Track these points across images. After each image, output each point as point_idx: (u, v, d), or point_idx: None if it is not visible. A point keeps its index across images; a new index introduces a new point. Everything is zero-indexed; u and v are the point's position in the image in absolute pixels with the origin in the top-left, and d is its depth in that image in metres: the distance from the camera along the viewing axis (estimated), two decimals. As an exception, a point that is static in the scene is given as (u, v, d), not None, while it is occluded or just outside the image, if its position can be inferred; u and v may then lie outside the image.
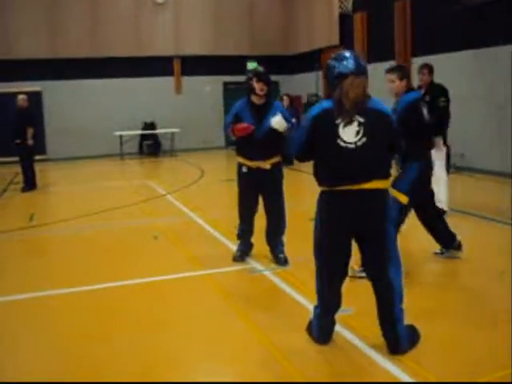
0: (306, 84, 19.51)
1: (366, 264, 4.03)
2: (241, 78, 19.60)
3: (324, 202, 3.91)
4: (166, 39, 19.40)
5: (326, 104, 3.85)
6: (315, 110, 3.87)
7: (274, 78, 19.35)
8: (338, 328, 4.21)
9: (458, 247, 5.98)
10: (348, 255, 3.98)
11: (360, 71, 3.82)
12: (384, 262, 3.85)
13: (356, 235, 3.92)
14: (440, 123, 7.63)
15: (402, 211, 5.44)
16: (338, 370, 3.75)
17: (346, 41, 17.04)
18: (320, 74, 18.55)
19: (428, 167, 5.70)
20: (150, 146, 19.29)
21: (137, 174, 15.75)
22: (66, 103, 18.28)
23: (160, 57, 19.25)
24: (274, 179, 5.94)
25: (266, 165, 5.83)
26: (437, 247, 6.07)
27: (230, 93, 20.13)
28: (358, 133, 3.71)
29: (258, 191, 6.00)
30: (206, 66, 19.72)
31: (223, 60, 19.77)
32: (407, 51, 14.31)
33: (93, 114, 18.58)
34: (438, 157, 7.75)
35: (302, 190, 11.16)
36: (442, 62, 12.47)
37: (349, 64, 3.81)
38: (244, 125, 5.74)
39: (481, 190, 10.45)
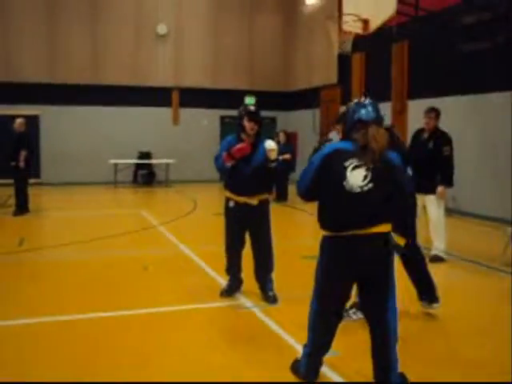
0: (303, 121, 19.66)
1: (364, 308, 3.98)
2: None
3: (327, 246, 3.86)
4: (166, 70, 19.57)
5: (338, 145, 3.89)
6: (327, 149, 3.85)
7: (271, 113, 19.70)
8: (324, 370, 4.15)
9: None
10: (347, 299, 3.98)
11: (379, 121, 3.87)
12: (384, 309, 3.80)
13: (358, 281, 3.88)
14: (443, 172, 7.67)
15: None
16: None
17: (343, 80, 17.23)
18: (317, 111, 18.73)
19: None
20: (145, 175, 19.30)
21: (130, 204, 15.70)
22: (64, 128, 18.36)
23: (159, 87, 19.41)
24: (261, 216, 5.89)
25: (254, 201, 5.78)
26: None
27: (227, 126, 20.27)
28: (365, 177, 3.67)
29: (245, 227, 5.94)
30: (205, 99, 19.86)
31: (221, 94, 19.93)
32: (404, 93, 14.46)
33: (89, 140, 18.65)
34: (439, 205, 7.81)
35: (294, 227, 11.15)
36: (437, 105, 12.60)
37: (370, 112, 3.84)
38: (241, 145, 5.67)
39: (472, 234, 10.46)
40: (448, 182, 7.72)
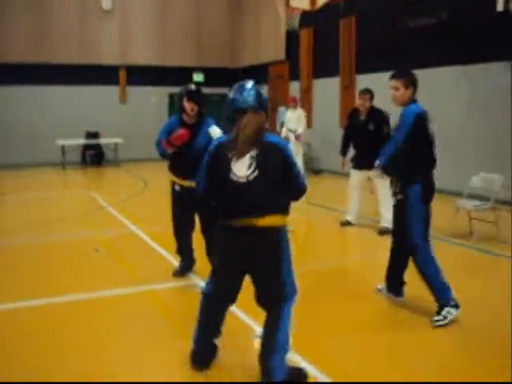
0: (252, 97, 19.57)
1: (257, 297, 3.87)
2: (187, 90, 19.57)
3: (219, 234, 3.83)
4: (112, 48, 19.18)
5: (222, 138, 3.84)
6: (212, 145, 3.82)
7: (221, 90, 19.51)
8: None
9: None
10: (238, 289, 3.90)
11: (260, 106, 3.73)
12: (277, 297, 3.76)
13: (249, 272, 3.81)
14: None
15: (427, 222, 5.04)
16: None
17: (291, 56, 17.22)
18: (265, 87, 18.69)
19: (432, 189, 5.20)
20: (93, 155, 18.97)
21: (79, 185, 15.44)
22: (7, 109, 17.82)
23: (106, 66, 19.02)
24: None
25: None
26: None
27: (176, 104, 20.06)
28: (250, 166, 3.60)
29: (192, 210, 5.90)
30: (152, 77, 19.59)
31: (169, 71, 19.68)
32: (352, 68, 14.56)
33: (34, 121, 18.17)
34: (385, 181, 7.92)
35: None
36: (384, 80, 12.71)
37: (249, 98, 3.72)
38: (179, 132, 5.54)
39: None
40: None
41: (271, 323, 3.76)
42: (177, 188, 5.87)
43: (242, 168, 3.60)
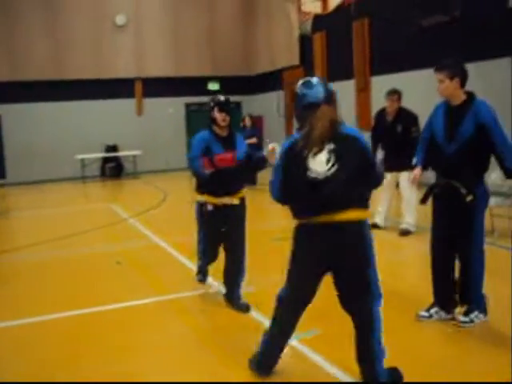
0: (268, 104, 19.65)
1: (342, 299, 3.74)
2: (203, 99, 19.68)
3: (298, 235, 3.70)
4: (127, 61, 19.34)
5: (295, 136, 3.66)
6: (285, 144, 3.69)
7: (236, 98, 19.59)
8: (305, 351, 4.21)
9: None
10: (315, 291, 3.78)
11: (329, 99, 3.66)
12: (365, 296, 3.62)
13: (332, 269, 3.68)
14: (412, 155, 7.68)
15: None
16: None
17: (306, 60, 17.24)
18: (281, 93, 18.73)
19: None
20: (113, 168, 19.14)
21: (99, 198, 15.58)
22: (27, 126, 18.04)
23: (121, 79, 19.19)
24: (240, 216, 5.50)
25: (234, 200, 5.39)
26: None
27: (192, 114, 20.20)
28: (328, 161, 3.49)
29: (223, 228, 5.52)
30: (168, 88, 19.72)
31: (185, 81, 19.80)
32: (366, 70, 14.54)
33: (54, 137, 18.38)
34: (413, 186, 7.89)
35: (263, 211, 11.16)
36: (399, 80, 12.69)
37: (318, 92, 3.64)
38: (228, 156, 5.15)
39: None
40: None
41: (364, 328, 3.63)
42: (210, 208, 5.39)
43: (320, 164, 3.50)
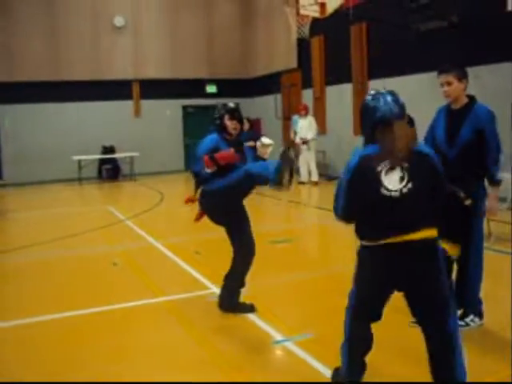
0: (266, 107, 19.70)
1: (417, 319, 3.52)
2: (200, 102, 19.75)
3: (365, 256, 3.47)
4: (125, 63, 19.36)
5: (365, 151, 3.44)
6: (353, 160, 3.43)
7: (233, 101, 19.47)
8: (300, 354, 4.22)
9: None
10: (383, 307, 3.56)
11: (403, 114, 3.48)
12: (438, 322, 3.40)
13: (404, 291, 3.47)
14: None
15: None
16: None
17: (303, 64, 17.28)
18: (279, 96, 18.76)
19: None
20: (110, 170, 19.13)
21: (96, 200, 15.58)
22: (24, 127, 18.04)
23: (119, 80, 19.19)
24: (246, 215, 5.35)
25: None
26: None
27: (189, 116, 20.22)
28: (402, 179, 3.31)
29: None
30: (165, 90, 19.73)
31: (182, 83, 19.81)
32: (363, 74, 14.57)
33: (51, 138, 18.38)
34: None
35: (260, 213, 11.18)
36: (396, 85, 12.72)
37: (393, 107, 3.42)
38: (230, 151, 5.02)
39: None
40: None
41: (444, 348, 3.41)
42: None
43: (393, 181, 3.31)
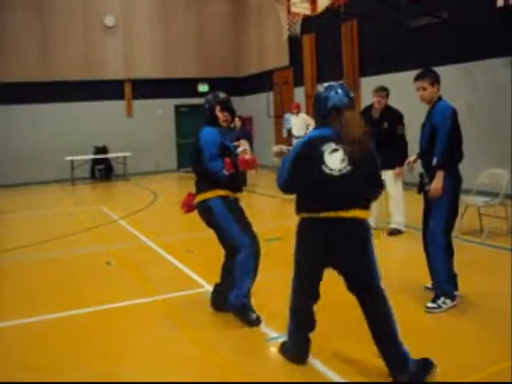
0: (258, 105, 19.70)
1: (353, 294, 3.91)
2: (192, 101, 19.72)
3: (303, 229, 3.91)
4: (117, 62, 19.33)
5: (315, 132, 3.89)
6: (301, 140, 3.91)
7: (225, 100, 19.10)
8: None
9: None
10: (320, 280, 3.98)
11: (352, 105, 3.89)
12: (372, 283, 3.82)
13: (335, 264, 3.88)
14: (399, 151, 7.70)
15: (453, 214, 5.12)
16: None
17: (295, 62, 17.29)
18: (271, 94, 18.76)
19: (460, 181, 5.23)
20: (102, 170, 19.10)
21: (89, 200, 15.55)
22: (14, 128, 17.97)
23: (111, 80, 19.16)
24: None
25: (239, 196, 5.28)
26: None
27: (182, 115, 20.20)
28: (343, 160, 3.71)
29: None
30: (157, 89, 19.71)
31: (174, 83, 19.80)
32: (355, 71, 14.59)
33: (43, 138, 18.32)
34: (397, 180, 7.97)
35: (254, 211, 11.18)
36: (388, 81, 12.75)
37: (342, 98, 3.84)
38: (249, 157, 4.98)
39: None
40: (403, 161, 7.72)
41: (378, 313, 3.81)
42: (232, 198, 5.12)
43: (335, 161, 3.71)
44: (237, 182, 5.10)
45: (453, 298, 5.03)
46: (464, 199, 8.07)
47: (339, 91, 3.86)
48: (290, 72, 17.75)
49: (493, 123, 10.58)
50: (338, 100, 3.82)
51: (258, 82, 19.63)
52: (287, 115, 15.19)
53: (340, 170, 3.69)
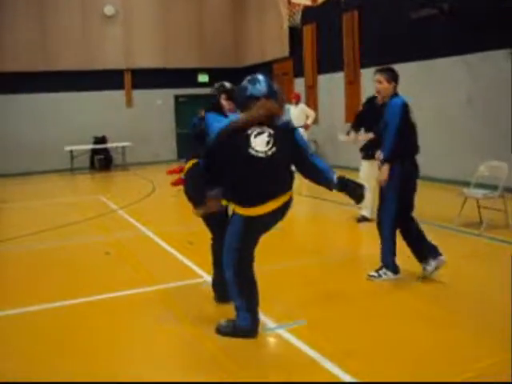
0: (258, 96, 19.61)
1: None
2: (192, 91, 19.67)
3: (241, 221, 4.17)
4: (117, 52, 19.25)
5: (234, 117, 4.25)
6: (222, 124, 4.19)
7: (224, 90, 19.09)
8: (291, 340, 4.24)
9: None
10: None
11: (271, 95, 4.20)
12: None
13: None
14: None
15: (401, 202, 5.59)
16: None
17: (295, 53, 17.24)
18: (271, 85, 18.68)
19: (413, 171, 5.64)
20: (102, 160, 19.06)
21: (88, 190, 15.54)
22: (14, 118, 17.93)
23: (110, 70, 19.09)
24: None
25: None
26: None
27: (181, 105, 20.15)
28: (268, 143, 4.02)
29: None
30: (157, 79, 19.64)
31: (174, 73, 19.74)
32: (356, 62, 14.55)
33: (42, 128, 18.27)
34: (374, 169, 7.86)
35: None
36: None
37: (262, 88, 4.20)
38: None
39: (428, 197, 10.64)
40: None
41: None
42: None
43: (261, 144, 4.02)
44: None
45: (395, 271, 5.66)
46: (463, 191, 8.08)
47: (260, 83, 4.24)
48: (291, 63, 17.70)
49: (495, 113, 10.55)
50: (255, 90, 4.20)
51: (258, 73, 19.53)
52: (287, 106, 15.16)
53: (265, 152, 4.02)
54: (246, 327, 4.30)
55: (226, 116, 5.14)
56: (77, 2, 18.63)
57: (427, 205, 9.77)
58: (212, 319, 4.85)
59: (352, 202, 4.46)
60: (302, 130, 12.75)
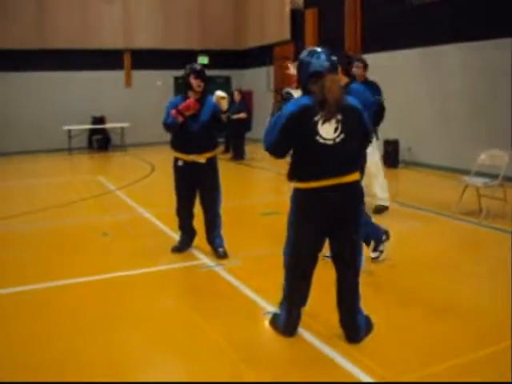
0: (258, 79, 19.56)
1: (336, 254, 4.02)
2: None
3: (299, 198, 3.91)
4: (116, 32, 19.10)
5: (303, 100, 3.81)
6: (292, 106, 3.81)
7: (225, 72, 19.51)
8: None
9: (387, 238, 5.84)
10: (321, 249, 4.04)
11: (334, 69, 3.92)
12: (355, 252, 3.97)
13: (330, 229, 3.93)
14: (376, 115, 7.57)
15: None
16: (298, 367, 3.75)
17: (297, 36, 17.12)
18: (271, 68, 18.62)
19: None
20: (100, 140, 18.97)
21: (86, 170, 15.49)
22: (11, 96, 17.80)
23: (110, 50, 18.95)
24: (209, 174, 6.06)
25: (201, 159, 5.96)
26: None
27: (181, 87, 20.03)
28: (336, 129, 3.74)
29: (195, 185, 6.13)
30: (157, 60, 19.51)
31: (174, 54, 19.60)
32: (357, 47, 14.45)
33: (40, 107, 18.16)
34: (374, 152, 7.78)
35: (251, 185, 11.16)
36: (390, 58, 12.66)
37: (324, 62, 3.85)
38: (189, 101, 5.82)
39: (427, 184, 10.64)
40: (378, 123, 7.53)
41: (350, 283, 3.98)
42: (180, 163, 6.08)
43: (328, 131, 3.73)
44: (184, 143, 5.96)
45: (386, 236, 5.72)
46: (463, 179, 8.06)
47: (321, 56, 3.88)
48: (292, 46, 17.58)
49: (498, 100, 10.50)
50: (319, 65, 3.84)
51: (259, 56, 19.46)
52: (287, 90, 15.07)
53: (334, 139, 3.74)
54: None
55: (196, 93, 5.91)
56: (76, -20, 18.44)
57: (426, 192, 9.78)
58: (209, 301, 4.85)
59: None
60: None
